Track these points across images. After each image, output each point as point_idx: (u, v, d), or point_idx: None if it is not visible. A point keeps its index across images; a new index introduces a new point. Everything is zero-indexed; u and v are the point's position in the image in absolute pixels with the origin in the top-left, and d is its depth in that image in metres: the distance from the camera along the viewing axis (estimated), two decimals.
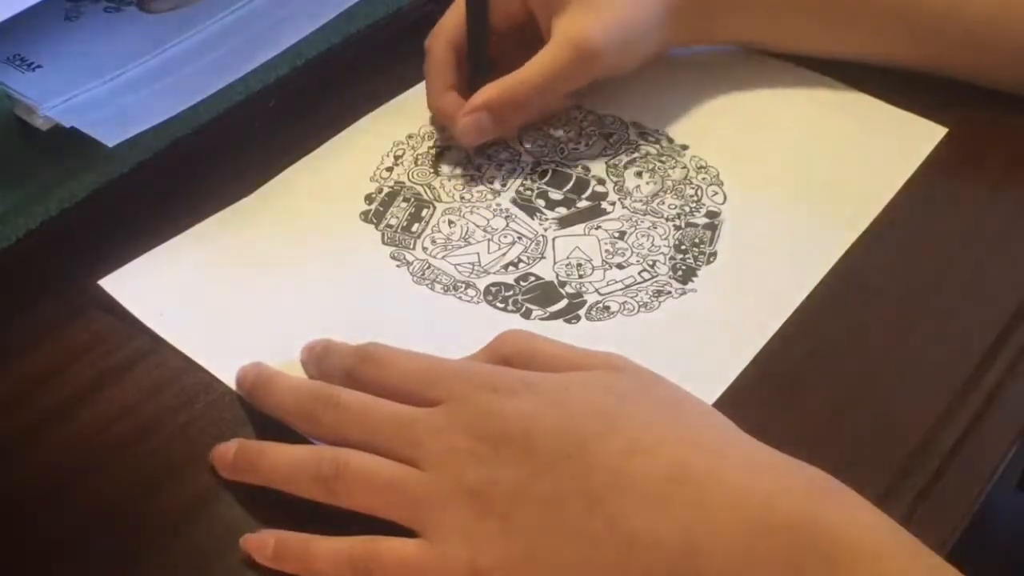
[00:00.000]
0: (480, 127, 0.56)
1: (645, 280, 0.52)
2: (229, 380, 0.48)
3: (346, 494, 0.42)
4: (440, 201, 0.56)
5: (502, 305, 0.52)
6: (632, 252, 0.54)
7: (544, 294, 0.52)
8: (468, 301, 0.52)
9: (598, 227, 0.55)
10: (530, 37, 0.58)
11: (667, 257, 0.53)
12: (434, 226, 0.55)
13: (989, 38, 0.58)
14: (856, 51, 0.61)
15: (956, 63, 0.59)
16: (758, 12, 0.60)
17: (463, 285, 0.53)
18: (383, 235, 0.55)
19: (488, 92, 0.56)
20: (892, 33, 0.59)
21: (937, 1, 0.58)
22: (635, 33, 0.57)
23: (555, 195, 0.57)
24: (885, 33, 0.59)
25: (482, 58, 0.57)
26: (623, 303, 0.51)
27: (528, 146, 0.59)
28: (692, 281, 0.52)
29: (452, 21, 0.58)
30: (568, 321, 0.51)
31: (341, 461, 0.42)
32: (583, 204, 0.56)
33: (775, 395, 0.48)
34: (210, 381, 0.48)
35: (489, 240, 0.55)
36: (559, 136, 0.59)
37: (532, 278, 0.53)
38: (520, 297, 0.52)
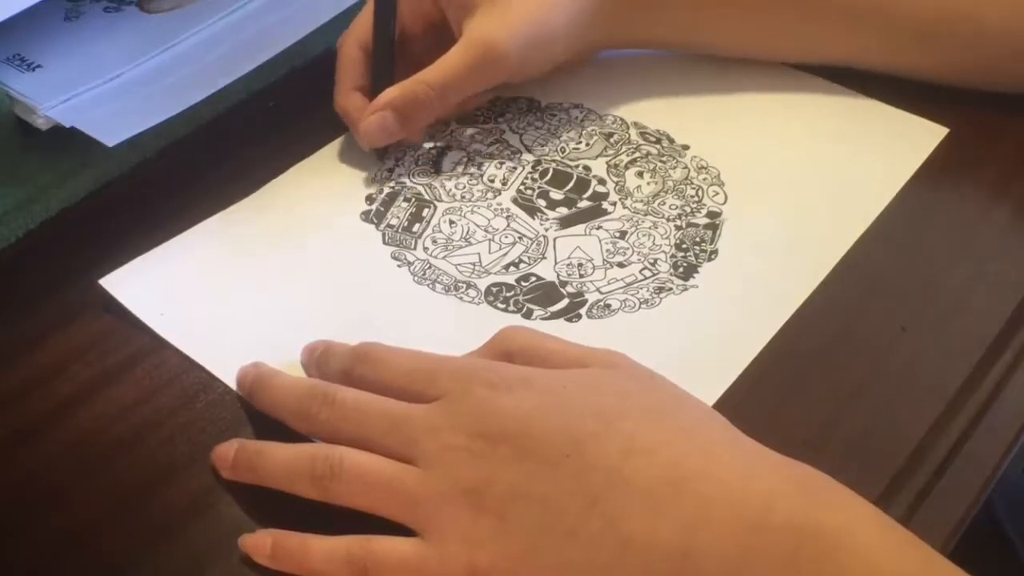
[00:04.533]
0: (384, 127, 0.56)
1: (646, 277, 0.52)
2: (229, 380, 0.48)
3: (343, 493, 0.42)
4: (441, 201, 0.56)
5: (503, 305, 0.52)
6: (633, 251, 0.54)
7: (545, 294, 0.52)
8: (469, 301, 0.52)
9: (599, 227, 0.55)
10: (446, 37, 0.57)
11: (668, 255, 0.53)
12: (435, 226, 0.55)
13: (921, 32, 0.58)
14: (775, 52, 0.61)
15: (886, 60, 0.60)
16: (680, 12, 0.59)
17: (464, 285, 0.53)
18: (384, 235, 0.55)
19: (392, 92, 0.55)
20: (816, 30, 0.59)
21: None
22: (545, 36, 0.57)
23: (556, 195, 0.57)
24: (809, 28, 0.59)
25: (387, 59, 0.57)
26: (624, 300, 0.51)
27: (529, 145, 0.59)
28: (694, 277, 0.52)
29: (363, 21, 0.58)
30: (569, 320, 0.51)
31: (336, 460, 0.42)
32: (584, 204, 0.56)
33: (775, 395, 0.48)
34: (210, 381, 0.48)
35: (490, 240, 0.55)
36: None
37: (533, 278, 0.53)
38: (521, 297, 0.52)
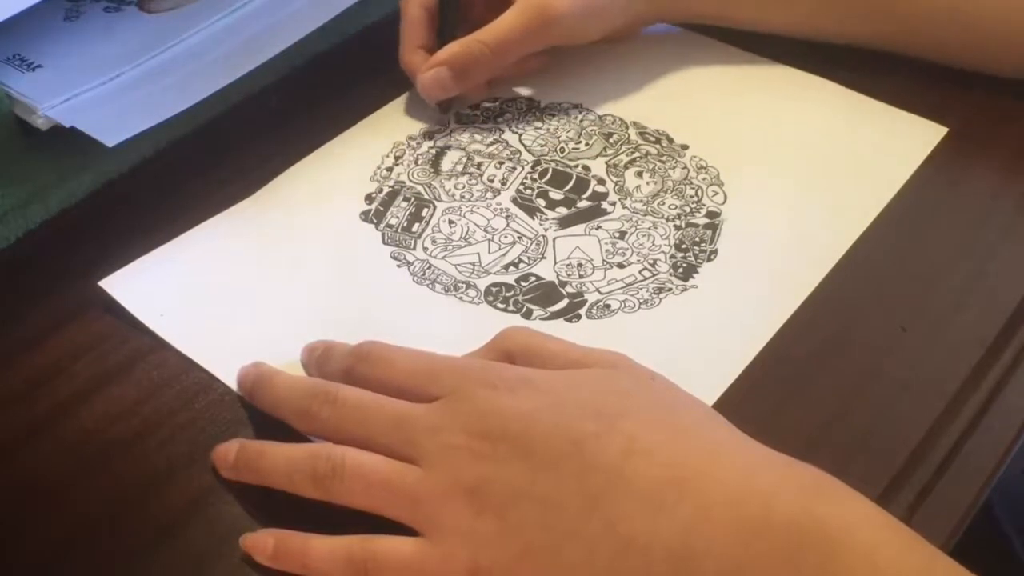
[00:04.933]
0: (440, 82, 0.58)
1: (646, 278, 0.52)
2: (229, 380, 0.48)
3: (344, 493, 0.42)
4: (440, 201, 0.56)
5: (503, 305, 0.52)
6: (633, 252, 0.54)
7: (545, 294, 0.52)
8: (469, 301, 0.52)
9: (598, 227, 0.55)
10: (504, 2, 0.59)
11: (668, 256, 0.53)
12: (434, 226, 0.55)
13: (945, 16, 0.59)
14: (840, 32, 0.62)
15: (913, 41, 0.61)
16: None
17: (463, 285, 0.53)
18: (383, 235, 0.55)
19: (450, 49, 0.58)
20: (875, 13, 0.60)
21: None
22: (597, 4, 0.59)
23: (555, 195, 0.57)
24: (873, 16, 0.60)
25: (450, 17, 0.60)
26: (624, 301, 0.51)
27: (528, 145, 0.59)
28: (693, 277, 0.52)
29: None
30: (569, 320, 0.51)
31: (337, 460, 0.42)
32: (583, 204, 0.56)
33: (775, 395, 0.48)
34: (210, 381, 0.48)
35: (489, 240, 0.55)
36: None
37: (533, 278, 0.53)
38: (521, 297, 0.52)
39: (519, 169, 0.58)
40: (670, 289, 0.52)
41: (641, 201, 0.56)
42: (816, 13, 0.61)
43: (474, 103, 0.61)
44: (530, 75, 0.62)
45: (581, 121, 0.61)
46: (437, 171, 0.58)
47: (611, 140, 0.60)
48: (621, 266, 0.53)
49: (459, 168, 0.58)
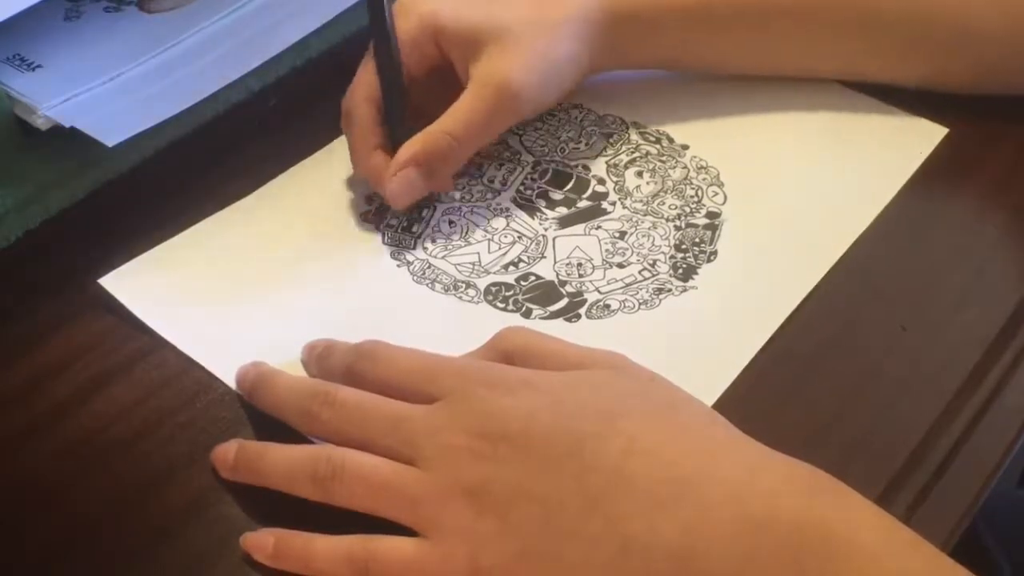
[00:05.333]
0: (410, 185, 0.53)
1: (646, 279, 0.52)
2: (229, 380, 0.48)
3: (344, 494, 0.42)
4: (440, 201, 0.56)
5: (502, 305, 0.52)
6: (632, 252, 0.54)
7: (544, 294, 0.52)
8: (468, 301, 0.52)
9: (598, 227, 0.55)
10: (450, 82, 0.56)
11: (667, 256, 0.53)
12: (434, 226, 0.55)
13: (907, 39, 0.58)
14: (773, 69, 0.60)
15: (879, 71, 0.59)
16: (677, 34, 0.58)
17: (463, 285, 0.53)
18: (383, 235, 0.55)
19: (412, 147, 0.53)
20: (812, 45, 0.59)
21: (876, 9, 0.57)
22: (552, 70, 0.56)
23: (555, 195, 0.57)
24: (795, 43, 0.59)
25: (401, 110, 0.54)
26: (623, 301, 0.51)
27: (528, 145, 0.59)
28: (693, 279, 0.52)
29: (366, 78, 0.55)
30: (568, 320, 0.51)
31: (337, 461, 0.42)
32: (583, 204, 0.56)
33: (775, 395, 0.48)
34: (210, 381, 0.48)
35: (489, 240, 0.55)
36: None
37: (532, 278, 0.53)
38: (520, 297, 0.52)
39: (519, 169, 0.58)
40: (670, 290, 0.52)
41: (641, 201, 0.56)
42: (784, 54, 0.59)
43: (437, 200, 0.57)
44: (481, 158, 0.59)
45: (581, 121, 0.61)
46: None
47: (611, 140, 0.60)
48: (621, 266, 0.53)
49: (459, 168, 0.58)
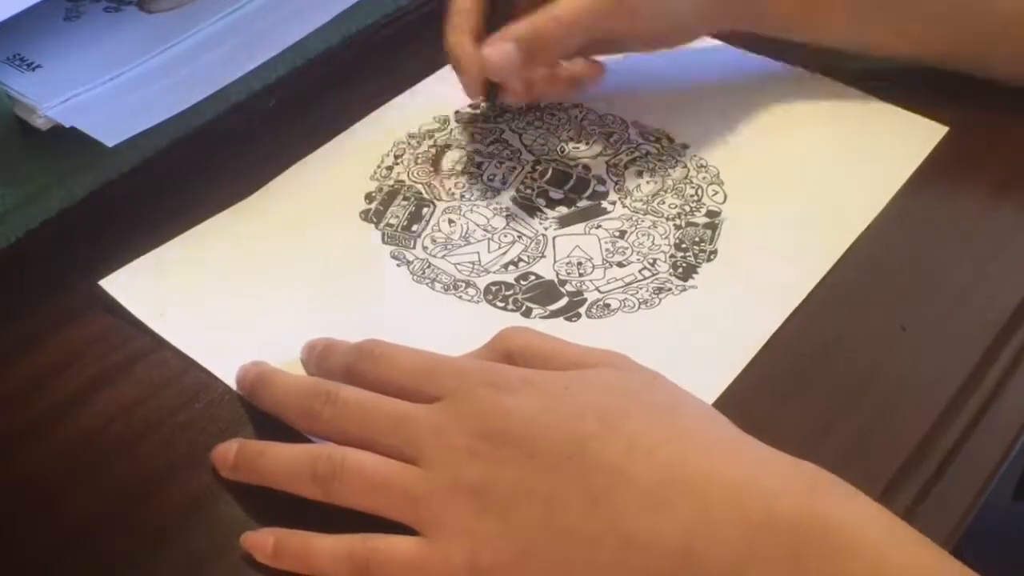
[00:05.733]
0: (508, 58, 0.53)
1: (646, 278, 0.52)
2: (229, 380, 0.48)
3: (344, 493, 0.42)
4: (440, 200, 0.56)
5: (502, 304, 0.52)
6: (632, 251, 0.54)
7: (544, 293, 0.52)
8: (468, 300, 0.52)
9: (598, 226, 0.55)
10: None
11: (667, 255, 0.53)
12: (434, 225, 0.55)
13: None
14: (904, 48, 0.60)
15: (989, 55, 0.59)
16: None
17: (463, 284, 0.53)
18: (383, 234, 0.55)
19: (518, 26, 0.54)
20: (947, 28, 0.58)
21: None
22: None
23: (555, 194, 0.57)
24: (938, 28, 0.58)
25: (502, 8, 0.55)
26: (623, 300, 0.51)
27: (528, 144, 0.59)
28: (693, 278, 0.52)
29: None
30: (568, 319, 0.51)
31: (338, 460, 0.42)
32: (583, 203, 0.56)
33: (776, 394, 0.48)
34: (210, 381, 0.48)
35: (489, 239, 0.55)
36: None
37: (532, 277, 0.53)
38: (520, 296, 0.52)
39: (519, 168, 0.58)
40: (669, 289, 0.52)
41: (641, 200, 0.56)
42: (896, 31, 0.59)
43: (511, 106, 0.59)
44: (581, 89, 0.60)
45: (581, 121, 0.61)
46: (437, 170, 0.58)
47: (611, 139, 0.60)
48: (621, 265, 0.53)
49: (459, 167, 0.58)
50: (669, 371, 0.44)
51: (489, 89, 0.57)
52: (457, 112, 0.61)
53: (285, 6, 0.61)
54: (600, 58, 0.61)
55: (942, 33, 0.58)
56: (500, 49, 0.54)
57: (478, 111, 0.61)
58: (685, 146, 0.59)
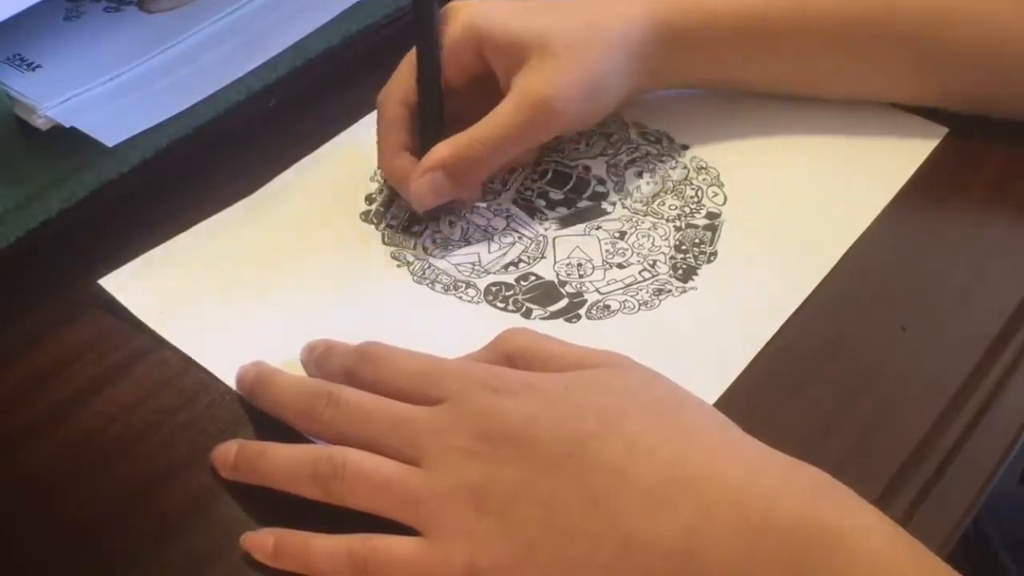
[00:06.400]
0: (436, 188, 0.52)
1: (645, 279, 0.52)
2: (229, 380, 0.48)
3: (345, 493, 0.42)
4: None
5: (502, 305, 0.52)
6: (632, 252, 0.54)
7: (544, 294, 0.52)
8: (468, 301, 0.52)
9: (598, 227, 0.55)
10: (489, 92, 0.54)
11: (667, 257, 0.53)
12: (434, 226, 0.55)
13: (985, 63, 0.56)
14: (822, 92, 0.59)
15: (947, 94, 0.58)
16: (726, 54, 0.57)
17: (463, 285, 0.53)
18: (384, 235, 0.55)
19: (442, 150, 0.52)
20: (865, 71, 0.57)
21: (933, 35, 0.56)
22: (598, 87, 0.54)
23: (555, 195, 0.57)
24: (865, 66, 0.58)
25: (435, 117, 0.54)
26: (623, 302, 0.51)
27: None
28: (693, 279, 0.52)
29: (403, 78, 0.55)
30: (569, 320, 0.51)
31: (339, 460, 0.42)
32: (583, 204, 0.56)
33: (775, 395, 0.48)
34: (210, 381, 0.48)
35: (489, 240, 0.55)
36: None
37: (532, 278, 0.53)
38: (520, 297, 0.52)
39: (519, 169, 0.58)
40: (669, 291, 0.52)
41: (641, 201, 0.56)
42: (834, 78, 0.58)
43: (465, 209, 0.56)
44: (515, 167, 0.58)
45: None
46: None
47: (611, 140, 0.60)
48: (621, 266, 0.53)
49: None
50: (669, 372, 0.44)
51: None
52: None
53: (285, 6, 0.61)
54: None
55: (904, 77, 0.58)
56: (428, 180, 0.52)
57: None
58: (685, 147, 0.59)
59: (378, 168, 0.56)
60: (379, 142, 0.55)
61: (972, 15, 0.55)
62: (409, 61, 0.55)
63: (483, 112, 0.53)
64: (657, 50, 0.56)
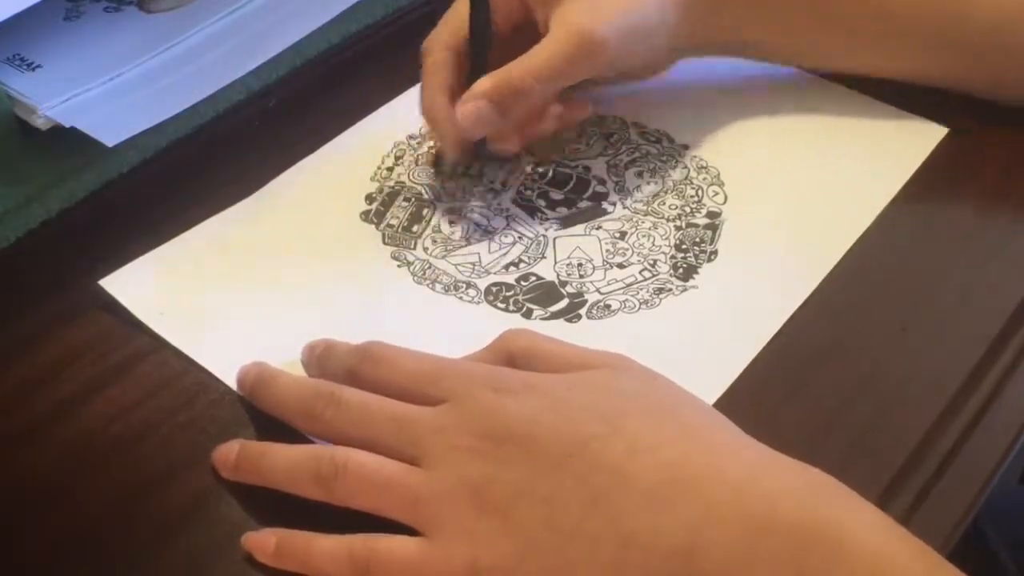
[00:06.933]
0: (480, 117, 0.53)
1: (646, 279, 0.52)
2: (229, 380, 0.48)
3: (346, 493, 0.42)
4: (441, 201, 0.56)
5: (503, 305, 0.52)
6: (633, 252, 0.54)
7: (545, 294, 0.52)
8: (469, 301, 0.52)
9: (599, 227, 0.55)
10: (527, 38, 0.55)
11: (668, 256, 0.53)
12: (435, 226, 0.55)
13: (996, 48, 0.56)
14: (870, 65, 0.59)
15: (969, 76, 0.58)
16: (772, 13, 0.57)
17: (464, 285, 0.53)
18: (384, 235, 0.55)
19: (488, 80, 0.53)
20: (909, 45, 0.58)
21: (968, 14, 0.56)
22: (639, 28, 0.55)
23: (556, 195, 0.57)
24: (903, 44, 0.58)
25: (482, 60, 0.55)
26: (624, 301, 0.51)
27: (529, 145, 0.59)
28: (693, 278, 0.52)
29: (451, 25, 0.56)
30: (569, 320, 0.51)
31: (340, 460, 0.42)
32: (584, 204, 0.56)
33: (776, 395, 0.48)
34: (210, 381, 0.48)
35: (490, 240, 0.55)
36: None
37: (533, 278, 0.53)
38: (521, 297, 0.52)
39: (520, 170, 0.58)
40: (670, 290, 0.52)
41: (641, 201, 0.56)
42: (871, 50, 0.58)
43: (499, 155, 0.57)
44: (568, 125, 0.59)
45: (581, 121, 0.60)
46: (438, 171, 0.58)
47: (612, 140, 0.60)
48: (621, 266, 0.53)
49: (460, 168, 0.58)
50: (670, 372, 0.44)
51: (475, 144, 0.56)
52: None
53: (285, 6, 0.61)
54: None
55: (932, 57, 0.58)
56: (472, 108, 0.53)
57: None
58: (685, 147, 0.59)
59: (420, 112, 0.56)
60: (422, 85, 0.56)
61: None
62: (456, 9, 0.56)
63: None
64: (700, 5, 0.56)
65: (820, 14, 0.57)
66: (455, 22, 0.56)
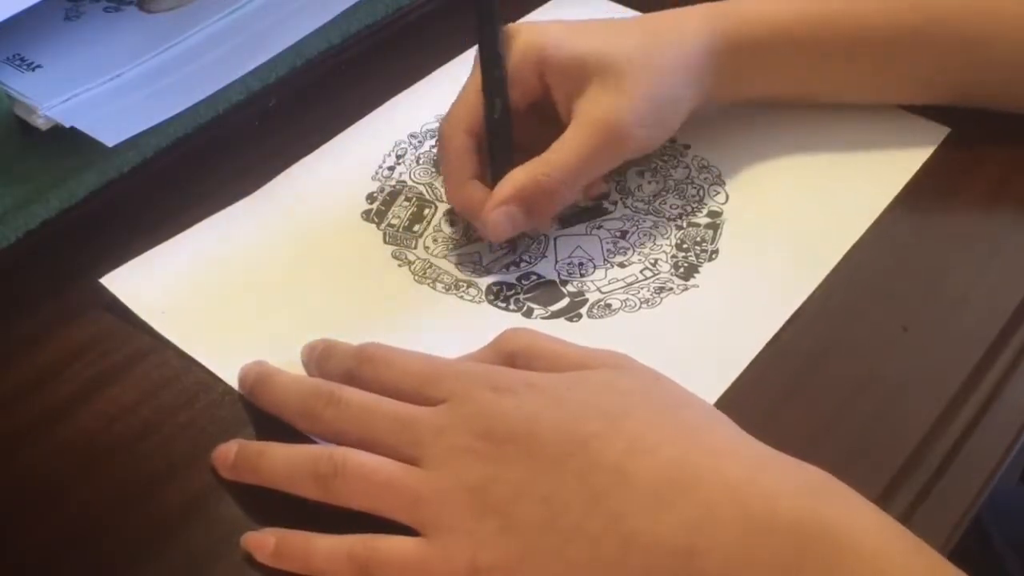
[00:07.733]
0: (511, 220, 0.51)
1: (647, 278, 0.52)
2: (230, 379, 0.48)
3: (345, 493, 0.42)
4: (442, 200, 0.56)
5: (504, 304, 0.52)
6: (634, 251, 0.54)
7: (546, 293, 0.52)
8: (470, 300, 0.52)
9: (600, 226, 0.55)
10: (547, 117, 0.54)
11: (669, 255, 0.53)
12: (436, 225, 0.55)
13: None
14: (893, 97, 0.59)
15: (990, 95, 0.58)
16: (789, 68, 0.57)
17: (465, 284, 0.53)
18: (385, 234, 0.55)
19: (515, 182, 0.51)
20: (926, 77, 0.57)
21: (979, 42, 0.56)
22: (661, 109, 0.54)
23: None
24: (921, 76, 0.58)
25: (506, 144, 0.53)
26: (625, 300, 0.51)
27: None
28: (694, 277, 0.52)
29: (467, 105, 0.53)
30: (570, 319, 0.51)
31: (339, 460, 0.42)
32: (585, 203, 0.56)
33: (776, 394, 0.48)
34: (210, 381, 0.48)
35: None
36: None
37: (534, 277, 0.53)
38: (522, 296, 0.52)
39: None
40: (671, 288, 0.52)
41: (643, 200, 0.56)
42: (902, 83, 0.58)
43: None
44: (594, 198, 0.56)
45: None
46: (439, 170, 0.58)
47: None
48: (622, 265, 0.53)
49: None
50: (670, 371, 0.44)
51: None
52: None
53: (285, 6, 0.61)
54: None
55: (949, 82, 0.58)
56: (504, 214, 0.51)
57: None
58: (687, 146, 0.59)
59: (447, 200, 0.55)
60: (446, 173, 0.54)
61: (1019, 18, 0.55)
62: (470, 89, 0.54)
63: (542, 137, 0.52)
64: (722, 65, 0.55)
65: (845, 55, 0.56)
66: (468, 105, 0.53)
